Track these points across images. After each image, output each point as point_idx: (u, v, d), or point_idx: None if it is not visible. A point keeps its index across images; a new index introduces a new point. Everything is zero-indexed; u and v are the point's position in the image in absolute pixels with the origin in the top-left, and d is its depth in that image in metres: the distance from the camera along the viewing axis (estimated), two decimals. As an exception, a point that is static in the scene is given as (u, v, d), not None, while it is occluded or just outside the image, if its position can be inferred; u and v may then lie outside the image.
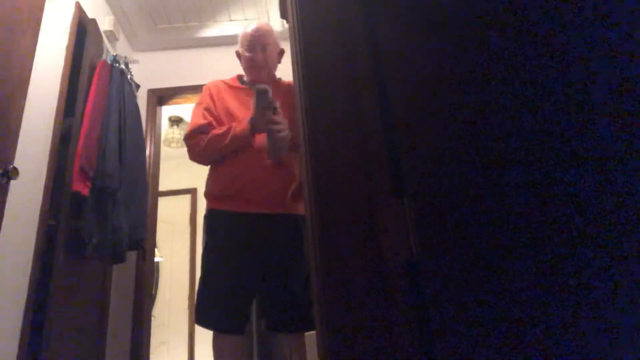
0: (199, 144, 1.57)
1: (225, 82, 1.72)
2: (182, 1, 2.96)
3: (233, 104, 1.63)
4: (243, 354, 1.58)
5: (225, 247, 1.51)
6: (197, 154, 1.60)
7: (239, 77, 1.75)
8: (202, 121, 1.60)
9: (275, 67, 1.74)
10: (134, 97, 2.64)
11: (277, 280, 1.50)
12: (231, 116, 1.60)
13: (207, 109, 1.64)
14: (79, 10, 2.32)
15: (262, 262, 1.51)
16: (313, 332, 1.32)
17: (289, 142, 1.48)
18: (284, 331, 1.58)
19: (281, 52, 1.74)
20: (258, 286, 1.53)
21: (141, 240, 2.40)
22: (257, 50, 1.65)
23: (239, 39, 1.71)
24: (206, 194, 1.63)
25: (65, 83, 2.13)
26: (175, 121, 4.10)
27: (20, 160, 1.55)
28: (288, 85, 1.70)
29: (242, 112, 1.59)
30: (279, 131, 1.45)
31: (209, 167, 1.68)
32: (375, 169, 0.60)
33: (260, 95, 1.45)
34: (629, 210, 0.53)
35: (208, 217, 1.59)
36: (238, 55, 1.72)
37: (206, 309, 1.48)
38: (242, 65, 1.72)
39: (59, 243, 1.90)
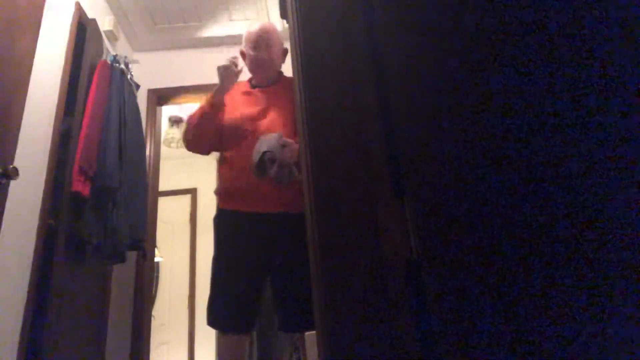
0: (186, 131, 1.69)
1: (240, 88, 1.73)
2: (182, 1, 2.95)
3: (245, 108, 1.64)
4: (246, 352, 1.59)
5: (234, 248, 1.52)
6: (185, 139, 1.70)
7: (249, 81, 1.76)
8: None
9: (279, 66, 1.74)
10: (134, 97, 2.64)
11: (287, 280, 1.50)
12: (249, 119, 1.60)
13: None
14: (79, 10, 2.32)
15: (270, 262, 1.52)
16: (313, 331, 1.32)
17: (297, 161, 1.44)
18: (294, 330, 1.58)
19: (285, 52, 1.75)
20: (267, 285, 1.54)
21: (141, 240, 2.39)
22: (262, 50, 1.65)
23: (243, 39, 1.72)
24: (215, 192, 1.66)
25: (65, 83, 2.13)
26: (175, 121, 4.10)
27: (20, 160, 1.55)
28: (291, 80, 1.70)
29: (253, 118, 1.60)
30: (287, 151, 1.43)
31: (214, 166, 1.69)
32: (375, 169, 0.60)
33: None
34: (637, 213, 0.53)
35: (217, 218, 1.61)
36: (242, 54, 1.72)
37: (217, 310, 1.49)
38: (247, 65, 1.71)
39: (59, 243, 1.90)
